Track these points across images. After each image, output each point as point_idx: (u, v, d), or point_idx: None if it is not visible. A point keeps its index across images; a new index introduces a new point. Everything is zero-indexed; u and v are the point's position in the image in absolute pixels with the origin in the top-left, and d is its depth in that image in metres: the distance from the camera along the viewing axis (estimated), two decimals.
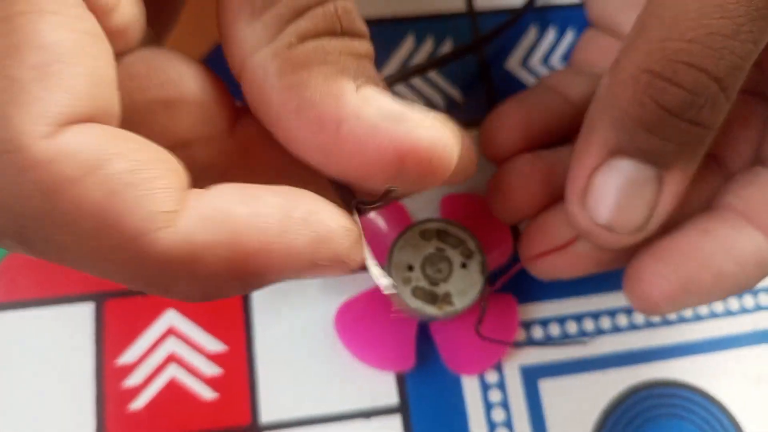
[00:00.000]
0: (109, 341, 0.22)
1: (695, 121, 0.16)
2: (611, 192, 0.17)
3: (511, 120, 0.22)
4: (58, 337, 0.23)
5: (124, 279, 0.12)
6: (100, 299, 0.23)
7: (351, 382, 0.23)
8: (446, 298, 0.21)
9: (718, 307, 0.25)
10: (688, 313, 0.24)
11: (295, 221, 0.13)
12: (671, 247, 0.19)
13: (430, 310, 0.20)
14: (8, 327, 0.23)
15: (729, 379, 0.24)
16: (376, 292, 0.23)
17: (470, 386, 0.23)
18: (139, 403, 0.22)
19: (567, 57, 0.27)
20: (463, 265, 0.21)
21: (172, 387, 0.22)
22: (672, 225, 0.19)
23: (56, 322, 0.23)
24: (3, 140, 0.11)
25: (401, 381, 0.23)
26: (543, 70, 0.27)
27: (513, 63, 0.27)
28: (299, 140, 0.14)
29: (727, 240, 0.18)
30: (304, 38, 0.14)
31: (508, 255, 0.23)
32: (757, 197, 0.19)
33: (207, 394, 0.22)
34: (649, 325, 0.24)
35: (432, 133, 0.14)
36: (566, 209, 0.19)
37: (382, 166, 0.13)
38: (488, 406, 0.23)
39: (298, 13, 0.14)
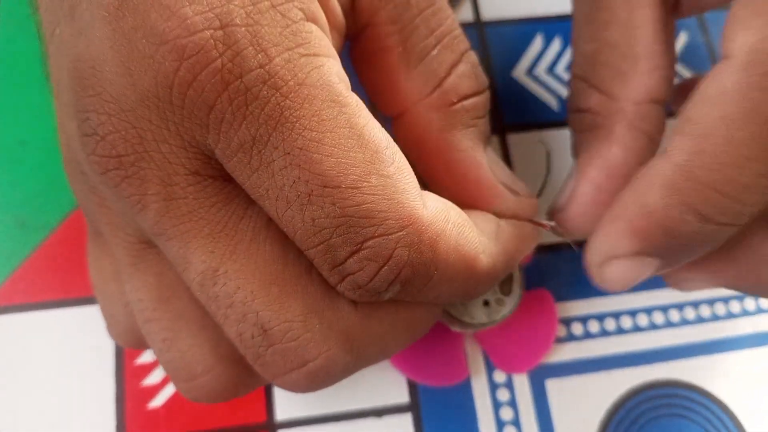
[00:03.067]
0: None
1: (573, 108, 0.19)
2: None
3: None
4: (79, 338, 0.23)
5: (458, 292, 0.17)
6: None
7: (363, 381, 0.23)
8: (504, 289, 0.21)
9: (720, 309, 0.25)
10: (690, 315, 0.25)
11: (525, 239, 0.19)
12: None
13: (509, 305, 0.21)
14: (29, 328, 0.23)
15: (730, 379, 0.24)
16: None
17: (479, 385, 0.24)
18: (157, 401, 0.23)
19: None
20: None
21: None
22: None
23: (77, 322, 0.23)
24: (404, 217, 0.14)
25: (412, 381, 0.23)
26: (548, 79, 0.28)
27: (519, 71, 0.28)
28: (438, 179, 0.18)
29: None
30: (462, 98, 0.18)
31: None
32: None
33: None
34: (653, 326, 0.25)
35: (531, 207, 0.19)
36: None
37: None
38: (497, 405, 0.23)
39: (450, 69, 0.18)
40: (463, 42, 0.18)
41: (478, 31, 0.28)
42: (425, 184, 0.19)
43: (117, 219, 0.16)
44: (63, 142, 0.17)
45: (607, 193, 0.18)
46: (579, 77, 0.19)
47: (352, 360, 0.16)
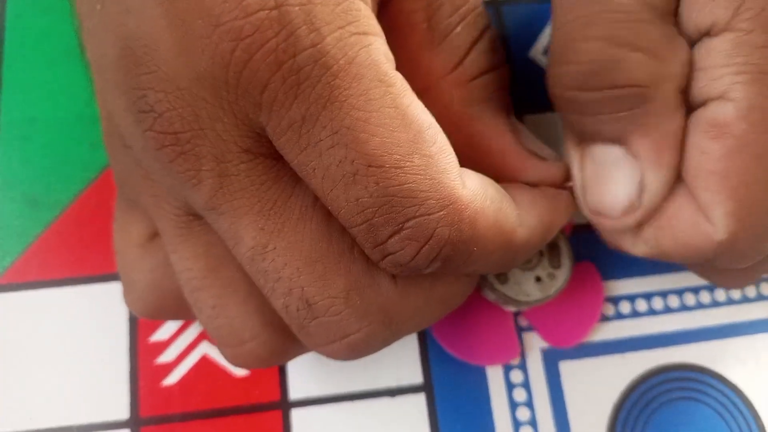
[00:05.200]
0: (142, 319, 0.23)
1: (608, 85, 0.16)
2: (591, 178, 0.18)
3: None
4: (93, 316, 0.23)
5: (495, 265, 0.17)
6: None
7: (377, 361, 0.23)
8: (554, 263, 0.22)
9: (736, 294, 0.25)
10: (706, 299, 0.25)
11: (560, 208, 0.19)
12: None
13: (561, 278, 0.21)
14: (42, 305, 0.23)
15: (745, 363, 0.24)
16: None
17: (492, 367, 0.23)
18: (171, 379, 0.23)
19: None
20: None
21: (204, 364, 0.23)
22: None
23: (90, 300, 0.23)
24: (445, 197, 0.15)
25: (425, 361, 0.23)
26: None
27: (536, 51, 0.27)
28: (465, 155, 0.18)
29: None
30: (481, 73, 0.18)
31: None
32: None
33: (238, 371, 0.23)
34: (668, 310, 0.25)
35: (561, 171, 0.19)
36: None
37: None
38: (510, 387, 0.23)
39: (471, 46, 0.18)
40: (484, 18, 0.18)
41: (495, 9, 0.28)
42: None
43: (162, 192, 0.16)
44: (103, 116, 0.17)
45: (678, 167, 0.18)
46: (613, 42, 0.17)
47: (390, 333, 0.17)
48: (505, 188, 0.17)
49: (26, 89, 0.26)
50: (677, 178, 0.18)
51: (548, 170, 0.19)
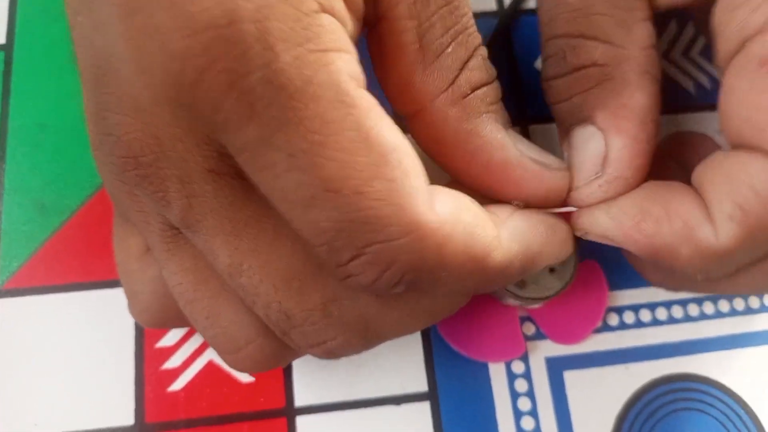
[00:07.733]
0: None
1: (572, 68, 0.19)
2: (571, 160, 0.20)
3: None
4: (99, 321, 0.23)
5: (470, 288, 0.17)
6: None
7: (382, 369, 0.23)
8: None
9: (739, 305, 0.25)
10: (709, 310, 0.25)
11: (555, 235, 0.19)
12: None
13: (571, 259, 0.21)
14: (49, 310, 0.23)
15: (748, 374, 0.24)
16: None
17: (497, 375, 0.24)
18: (177, 385, 0.23)
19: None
20: None
21: (210, 370, 0.23)
22: None
23: (97, 306, 0.23)
24: (407, 223, 0.14)
25: (430, 369, 0.23)
26: None
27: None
28: (465, 173, 0.18)
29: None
30: (474, 88, 0.18)
31: None
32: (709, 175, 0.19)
33: (244, 377, 0.23)
34: (672, 320, 0.25)
35: (566, 179, 0.19)
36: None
37: (535, 200, 0.19)
38: (514, 395, 0.23)
39: (463, 64, 0.17)
40: (476, 38, 0.18)
41: (500, 21, 0.28)
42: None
43: (148, 208, 0.16)
44: (90, 129, 0.17)
45: (643, 142, 0.19)
46: (571, 35, 0.19)
47: (367, 341, 0.17)
48: (495, 211, 0.17)
49: (35, 95, 0.26)
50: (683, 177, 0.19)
51: (553, 178, 0.19)
